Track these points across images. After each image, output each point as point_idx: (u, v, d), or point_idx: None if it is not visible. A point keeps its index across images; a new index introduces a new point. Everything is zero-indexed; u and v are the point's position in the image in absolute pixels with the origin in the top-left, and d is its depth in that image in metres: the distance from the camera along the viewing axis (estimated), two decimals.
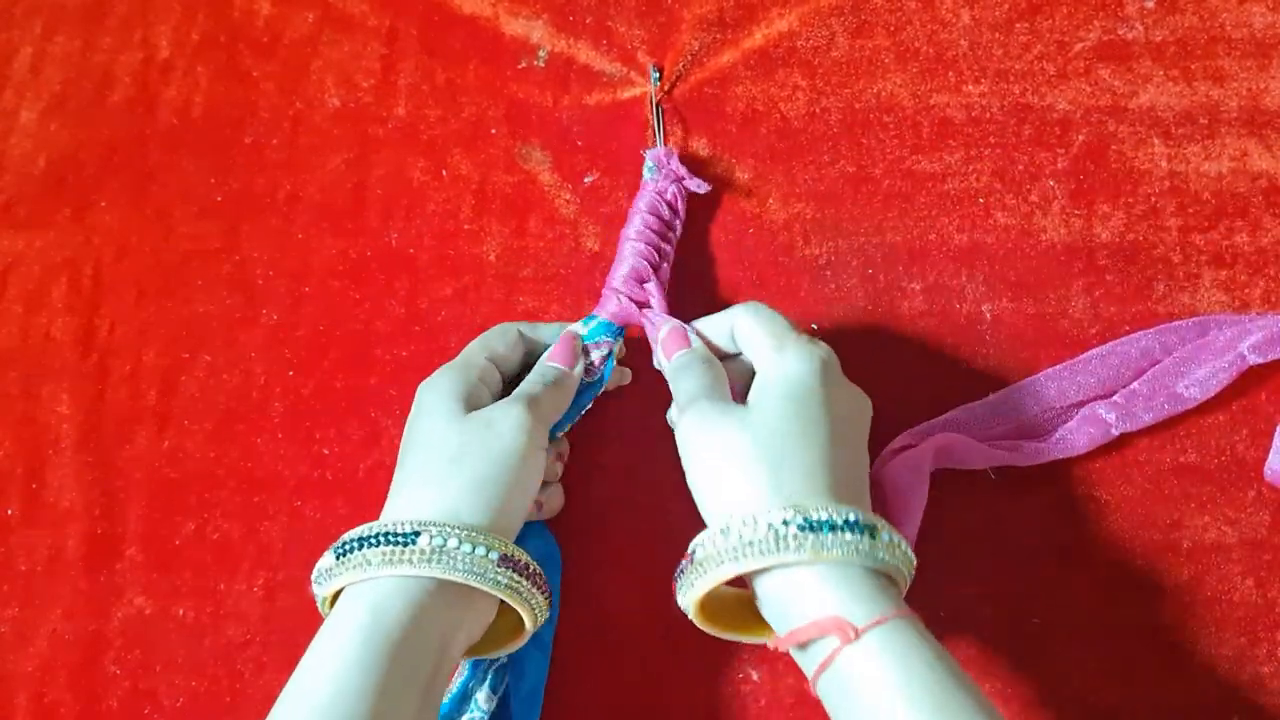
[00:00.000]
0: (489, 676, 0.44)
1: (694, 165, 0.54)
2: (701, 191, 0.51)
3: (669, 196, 0.50)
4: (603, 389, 0.47)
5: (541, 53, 0.57)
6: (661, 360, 0.46)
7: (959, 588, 0.46)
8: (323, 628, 0.37)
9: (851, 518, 0.35)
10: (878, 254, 0.52)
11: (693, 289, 0.52)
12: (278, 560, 0.49)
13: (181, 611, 0.48)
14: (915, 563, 0.37)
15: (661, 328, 0.46)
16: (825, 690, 0.35)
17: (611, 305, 0.48)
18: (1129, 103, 0.54)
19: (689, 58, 0.56)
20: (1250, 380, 0.48)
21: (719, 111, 0.55)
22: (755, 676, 0.46)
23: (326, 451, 0.50)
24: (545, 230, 0.54)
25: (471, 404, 0.42)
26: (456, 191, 0.55)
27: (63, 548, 0.50)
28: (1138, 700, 0.44)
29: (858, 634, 0.33)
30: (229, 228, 0.55)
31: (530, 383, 0.44)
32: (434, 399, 0.42)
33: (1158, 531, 0.46)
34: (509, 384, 0.46)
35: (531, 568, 0.39)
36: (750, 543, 0.35)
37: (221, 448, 0.51)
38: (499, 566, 0.38)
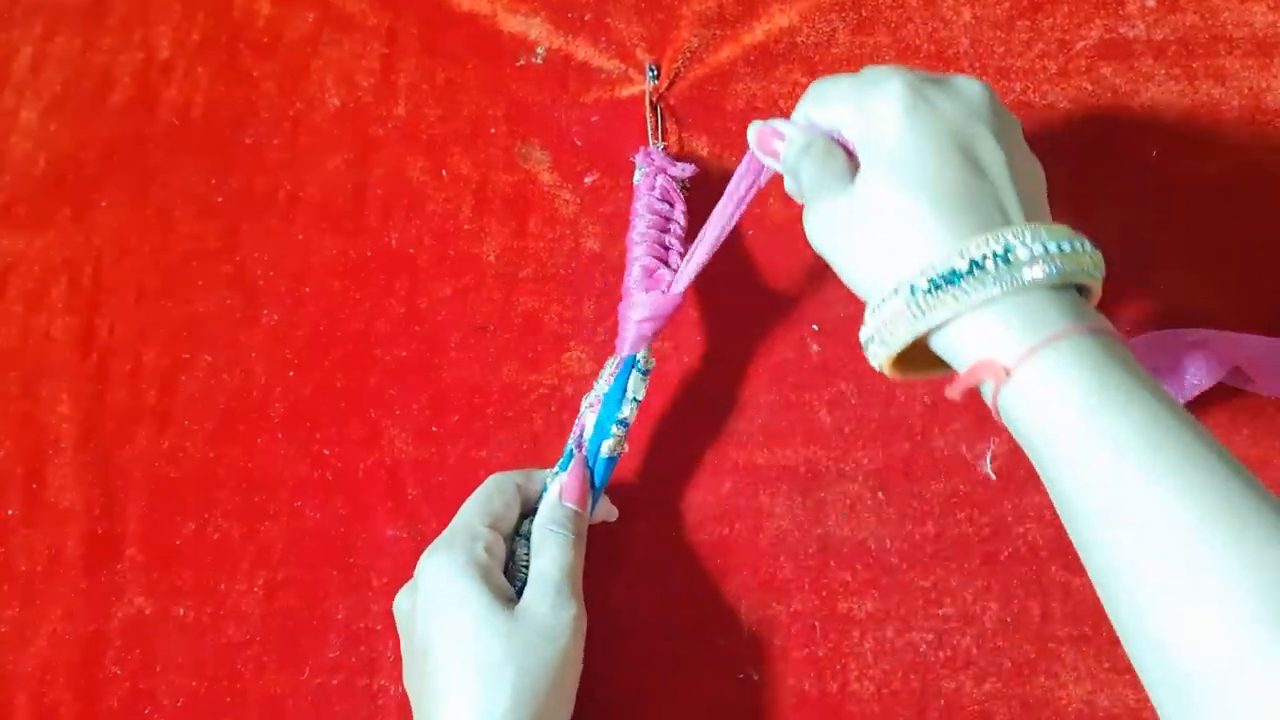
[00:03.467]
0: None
1: (693, 163, 0.54)
2: (685, 175, 0.51)
3: (657, 193, 0.50)
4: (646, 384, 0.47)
5: (540, 50, 0.57)
6: (766, 160, 0.43)
7: (959, 587, 0.46)
8: None
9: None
10: None
11: (692, 289, 0.52)
12: (278, 560, 0.49)
13: (181, 611, 0.48)
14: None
15: (751, 134, 0.43)
16: (1007, 419, 0.34)
17: (630, 335, 0.46)
18: (1130, 101, 0.53)
19: (688, 54, 0.56)
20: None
21: (719, 109, 0.55)
22: (755, 677, 0.46)
23: (326, 451, 0.50)
24: (545, 230, 0.54)
25: (494, 587, 0.40)
26: (456, 191, 0.55)
27: (63, 548, 0.50)
28: (1139, 701, 0.44)
29: (1008, 373, 0.32)
30: (229, 228, 0.55)
31: (558, 553, 0.42)
32: (459, 588, 0.39)
33: None
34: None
35: None
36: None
37: (221, 448, 0.51)
38: None
